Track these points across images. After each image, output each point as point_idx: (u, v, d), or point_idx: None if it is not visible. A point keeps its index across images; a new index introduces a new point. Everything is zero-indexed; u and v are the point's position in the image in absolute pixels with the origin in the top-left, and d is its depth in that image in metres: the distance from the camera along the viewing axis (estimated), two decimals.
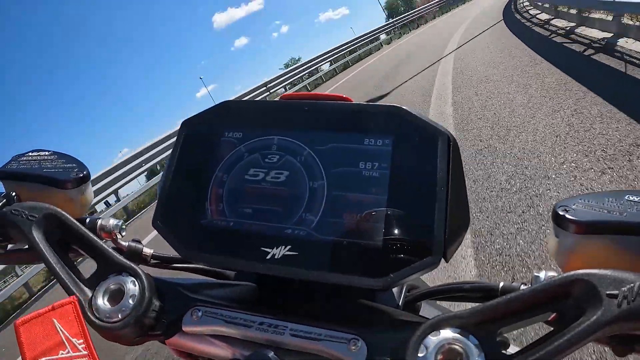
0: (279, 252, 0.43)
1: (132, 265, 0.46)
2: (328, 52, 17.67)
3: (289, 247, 0.43)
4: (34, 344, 0.40)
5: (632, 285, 0.31)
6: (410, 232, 0.40)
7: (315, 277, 0.42)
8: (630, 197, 0.39)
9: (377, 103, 0.46)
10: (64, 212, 0.50)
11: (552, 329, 0.34)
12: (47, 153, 0.59)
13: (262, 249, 0.43)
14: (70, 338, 0.40)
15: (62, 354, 0.39)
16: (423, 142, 0.42)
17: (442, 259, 0.40)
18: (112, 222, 0.55)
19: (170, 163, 0.50)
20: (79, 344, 0.40)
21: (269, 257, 0.43)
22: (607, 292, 0.32)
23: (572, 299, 0.33)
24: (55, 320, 0.40)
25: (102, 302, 0.45)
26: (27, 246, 0.48)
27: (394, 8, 70.77)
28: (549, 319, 0.35)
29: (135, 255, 0.57)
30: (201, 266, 0.58)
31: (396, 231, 0.40)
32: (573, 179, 3.01)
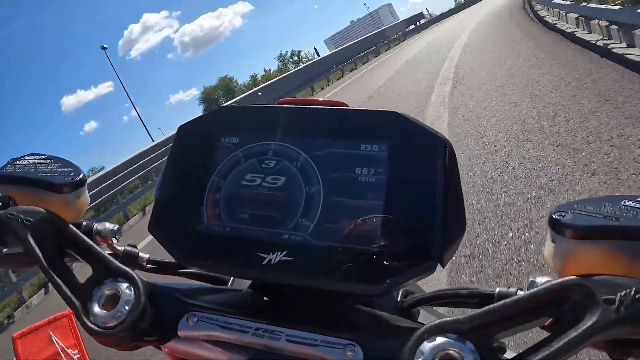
0: (275, 257, 0.43)
1: (128, 270, 0.46)
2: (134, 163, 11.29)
3: (285, 252, 0.43)
4: (30, 355, 0.39)
5: (628, 290, 0.32)
6: (407, 237, 0.40)
7: (312, 283, 0.42)
8: (627, 202, 0.39)
9: (374, 108, 0.46)
10: (59, 216, 0.49)
11: (549, 334, 0.34)
12: (43, 157, 0.58)
13: (259, 254, 0.43)
14: (66, 349, 0.40)
15: None
16: (420, 147, 0.43)
17: (439, 265, 0.40)
18: (108, 226, 0.55)
19: (166, 168, 0.50)
20: (74, 354, 0.40)
21: (265, 262, 0.43)
22: (604, 297, 0.32)
23: (569, 304, 0.34)
24: (51, 333, 0.40)
25: (98, 307, 0.44)
26: (22, 250, 0.48)
27: (212, 100, 59.08)
28: (546, 324, 0.35)
29: (131, 260, 0.57)
30: (197, 271, 0.58)
31: (392, 237, 0.40)
32: None
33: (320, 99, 0.51)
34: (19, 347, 0.41)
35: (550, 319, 0.35)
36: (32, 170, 0.56)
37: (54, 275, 0.46)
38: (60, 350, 0.40)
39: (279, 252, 0.43)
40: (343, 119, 0.46)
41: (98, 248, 0.48)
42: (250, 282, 0.52)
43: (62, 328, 0.42)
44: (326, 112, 0.47)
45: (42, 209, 0.49)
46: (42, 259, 0.46)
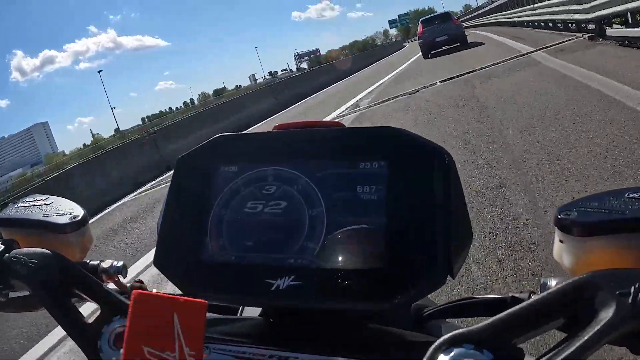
0: (284, 282, 0.42)
1: None
2: None
3: (292, 277, 0.42)
4: (143, 324, 0.35)
5: None
6: (414, 252, 0.40)
7: (322, 305, 0.42)
8: (630, 195, 0.39)
9: (370, 126, 0.46)
10: (64, 257, 0.49)
11: (566, 335, 0.33)
12: (43, 198, 0.58)
13: (267, 280, 0.43)
14: (183, 344, 0.35)
15: (168, 355, 0.35)
16: (419, 160, 0.43)
17: (449, 276, 0.40)
18: (114, 264, 0.54)
19: (167, 201, 0.50)
20: (189, 355, 0.35)
21: (273, 288, 0.42)
22: (619, 292, 0.31)
23: (584, 303, 0.33)
24: (176, 316, 0.36)
25: (108, 345, 0.43)
26: (28, 293, 0.46)
27: None
28: (562, 324, 0.34)
29: None
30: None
31: (399, 252, 0.40)
32: None
33: (316, 121, 0.51)
34: (137, 306, 0.35)
35: (566, 320, 0.34)
36: (33, 212, 0.55)
37: (61, 316, 0.45)
38: (176, 341, 0.34)
39: (287, 277, 0.42)
40: (340, 139, 0.47)
41: (104, 286, 0.47)
42: (260, 309, 0.52)
43: (191, 316, 0.36)
44: (323, 134, 0.48)
45: (46, 250, 0.48)
46: (49, 301, 0.45)
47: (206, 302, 0.38)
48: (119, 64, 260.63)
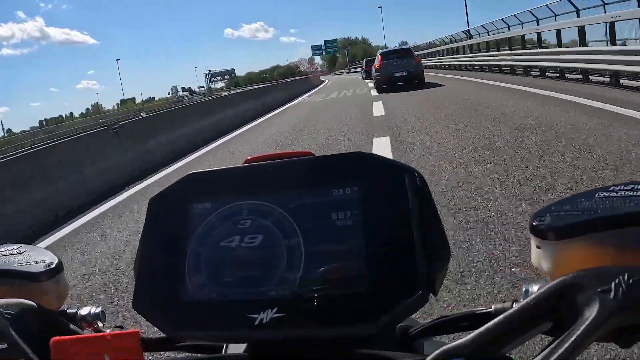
0: (267, 316, 0.41)
1: None
2: None
3: (275, 309, 0.42)
4: None
5: (622, 277, 0.32)
6: (394, 273, 0.40)
7: (308, 335, 0.41)
8: (601, 194, 0.40)
9: (339, 153, 0.47)
10: (41, 306, 0.47)
11: (552, 338, 0.33)
12: (15, 247, 0.57)
13: (249, 315, 0.42)
14: None
15: None
16: (390, 182, 0.43)
17: (431, 294, 0.40)
18: (92, 310, 0.52)
19: (142, 242, 0.49)
20: None
21: (257, 322, 0.42)
22: (600, 289, 0.32)
23: (567, 304, 0.33)
24: (107, 356, 0.33)
25: None
26: (5, 345, 0.44)
27: None
28: (548, 328, 0.35)
29: None
30: (190, 343, 0.55)
31: (380, 274, 0.40)
32: None
33: (286, 152, 0.52)
34: (54, 357, 0.32)
35: (552, 323, 0.34)
36: (6, 262, 0.54)
37: None
38: None
39: (270, 310, 0.42)
40: (311, 168, 0.47)
41: (84, 334, 0.46)
42: (245, 345, 0.51)
43: (124, 353, 0.33)
44: (293, 164, 0.48)
45: (21, 300, 0.47)
46: (28, 352, 0.43)
47: (138, 330, 0.37)
48: (43, 56, 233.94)
